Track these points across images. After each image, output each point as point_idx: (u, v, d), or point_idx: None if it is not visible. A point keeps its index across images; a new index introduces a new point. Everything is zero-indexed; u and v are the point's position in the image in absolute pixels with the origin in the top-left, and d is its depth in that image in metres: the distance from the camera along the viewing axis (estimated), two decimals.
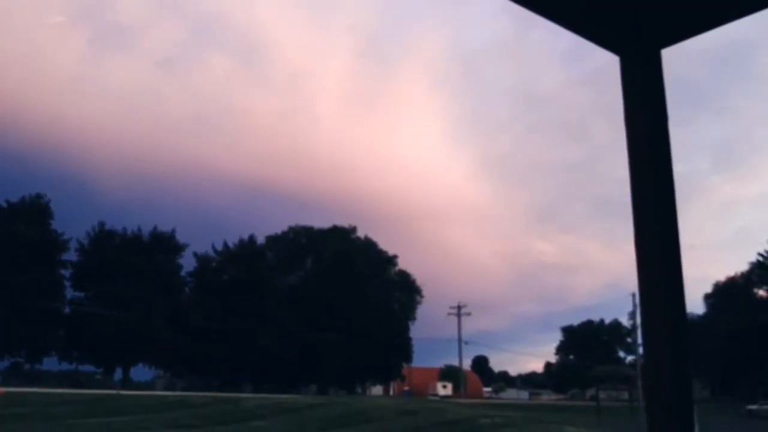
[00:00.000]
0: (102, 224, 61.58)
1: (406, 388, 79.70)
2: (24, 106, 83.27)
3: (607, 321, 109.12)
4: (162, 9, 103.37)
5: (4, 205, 55.88)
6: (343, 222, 78.88)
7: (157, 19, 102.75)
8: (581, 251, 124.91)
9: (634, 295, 75.22)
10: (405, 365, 77.93)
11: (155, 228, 63.48)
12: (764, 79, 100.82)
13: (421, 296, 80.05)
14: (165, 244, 63.09)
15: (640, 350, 79.89)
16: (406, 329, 76.59)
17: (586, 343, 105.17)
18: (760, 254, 74.17)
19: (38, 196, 57.57)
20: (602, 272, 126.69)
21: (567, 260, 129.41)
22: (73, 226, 60.99)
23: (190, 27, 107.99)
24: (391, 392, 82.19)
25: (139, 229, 62.82)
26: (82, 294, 59.33)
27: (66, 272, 58.91)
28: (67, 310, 58.23)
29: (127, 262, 57.49)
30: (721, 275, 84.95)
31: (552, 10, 1.78)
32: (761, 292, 77.38)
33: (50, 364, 59.16)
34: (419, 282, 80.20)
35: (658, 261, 1.69)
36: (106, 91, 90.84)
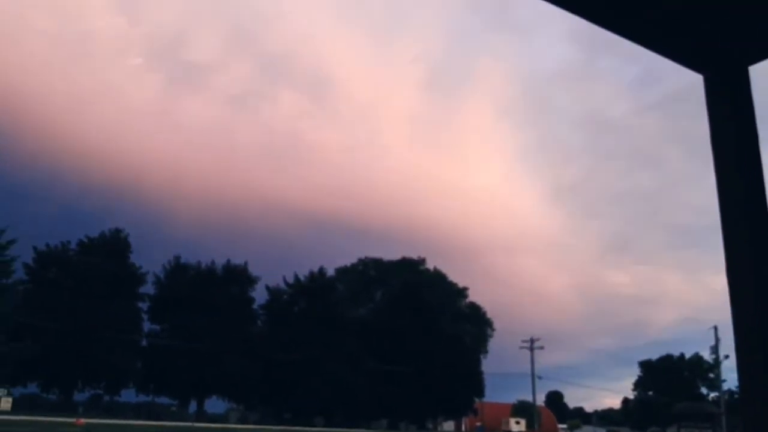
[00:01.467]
0: (178, 258, 62.97)
1: (479, 423, 78.02)
2: (104, 144, 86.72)
3: (688, 355, 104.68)
4: (233, 48, 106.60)
5: (86, 240, 57.81)
6: (413, 254, 78.67)
7: (229, 58, 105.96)
8: (658, 282, 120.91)
9: (716, 328, 72.07)
10: (477, 400, 76.40)
11: (228, 261, 64.55)
12: None
13: (493, 329, 78.88)
14: (238, 277, 63.94)
15: (724, 386, 76.35)
16: (478, 363, 75.27)
17: (666, 379, 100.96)
18: None
19: (117, 231, 59.39)
20: (681, 304, 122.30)
21: (643, 292, 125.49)
22: (150, 260, 62.64)
23: (260, 65, 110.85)
24: (463, 428, 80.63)
25: (213, 263, 63.96)
26: (158, 327, 60.52)
27: (143, 305, 60.30)
28: (144, 342, 59.44)
29: (202, 294, 58.38)
30: None
31: (633, 31, 1.68)
32: None
33: (128, 395, 60.41)
34: (490, 314, 79.06)
35: (751, 289, 1.55)
36: (180, 128, 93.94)
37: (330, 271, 71.78)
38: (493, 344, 79.14)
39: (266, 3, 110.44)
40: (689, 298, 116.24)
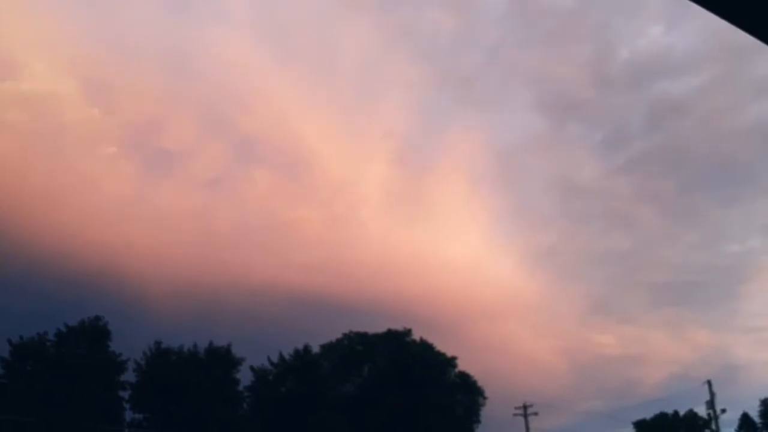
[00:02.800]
0: (159, 343, 61.46)
1: None
2: (80, 232, 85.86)
3: (682, 412, 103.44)
4: (206, 132, 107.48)
5: (63, 329, 56.43)
6: (398, 326, 77.62)
7: (203, 142, 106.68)
8: (644, 341, 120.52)
9: (710, 383, 71.63)
10: None
11: (211, 343, 63.16)
12: None
13: (485, 397, 77.30)
14: (221, 360, 62.50)
15: None
16: None
17: None
18: None
19: (96, 319, 58.06)
20: (669, 361, 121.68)
21: (630, 351, 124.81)
22: (131, 347, 61.11)
23: (234, 147, 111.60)
24: None
25: (195, 346, 62.52)
26: (141, 415, 58.58)
27: (125, 393, 58.48)
28: None
29: (185, 379, 56.92)
30: None
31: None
32: None
33: None
34: (481, 383, 77.73)
35: None
36: (158, 213, 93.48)
37: (315, 348, 70.54)
38: (485, 413, 77.52)
39: (239, 86, 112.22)
40: (676, 354, 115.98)
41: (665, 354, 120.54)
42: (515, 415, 74.11)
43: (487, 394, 77.72)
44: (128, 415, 58.79)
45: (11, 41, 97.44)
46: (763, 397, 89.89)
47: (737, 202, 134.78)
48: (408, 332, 76.72)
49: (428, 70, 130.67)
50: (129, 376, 59.13)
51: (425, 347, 76.12)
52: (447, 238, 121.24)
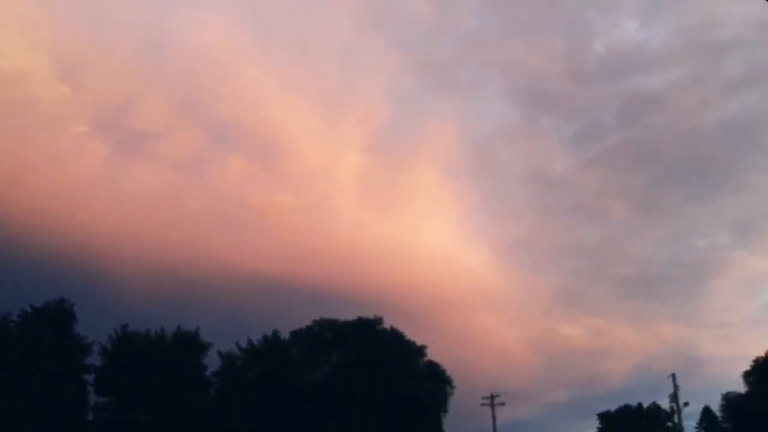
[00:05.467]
0: (125, 326, 60.60)
1: None
2: (47, 212, 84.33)
3: (645, 404, 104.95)
4: (179, 116, 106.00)
5: (28, 310, 55.38)
6: (369, 314, 77.46)
7: (176, 125, 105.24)
8: (609, 334, 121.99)
9: (674, 376, 72.53)
10: None
11: (179, 328, 62.47)
12: None
13: (452, 387, 77.60)
14: (189, 344, 61.86)
15: None
16: (439, 423, 73.84)
17: (626, 429, 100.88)
18: None
19: (62, 301, 57.06)
20: (633, 354, 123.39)
21: (596, 343, 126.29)
22: (96, 330, 60.21)
23: (206, 130, 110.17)
24: None
25: (162, 330, 61.81)
26: (105, 399, 57.83)
27: (90, 377, 57.65)
28: (90, 416, 56.64)
29: (151, 363, 56.24)
30: (757, 351, 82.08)
31: None
32: None
33: None
34: (449, 372, 78.00)
35: None
36: (127, 196, 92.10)
37: (285, 335, 70.14)
38: (453, 402, 77.85)
39: (214, 70, 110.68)
40: (641, 348, 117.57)
41: (631, 346, 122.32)
42: (482, 404, 74.53)
43: (455, 383, 78.10)
44: (92, 399, 58.06)
45: None
46: (724, 392, 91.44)
47: (706, 198, 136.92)
48: (379, 320, 76.64)
49: (404, 57, 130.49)
50: (94, 359, 58.35)
51: (395, 336, 76.11)
52: (420, 228, 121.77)
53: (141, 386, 54.79)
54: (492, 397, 73.99)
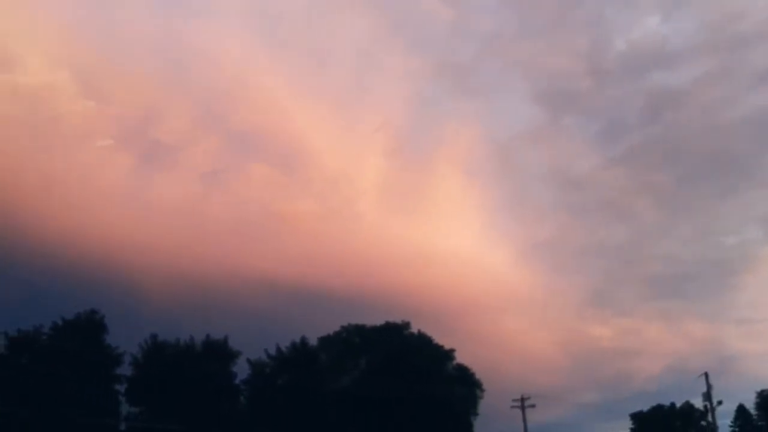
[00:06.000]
0: (155, 336, 60.96)
1: None
2: (76, 224, 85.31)
3: (678, 404, 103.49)
4: (202, 126, 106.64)
5: (60, 323, 55.92)
6: (396, 318, 77.29)
7: (199, 135, 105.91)
8: (640, 333, 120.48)
9: (707, 375, 71.41)
10: None
11: (208, 336, 62.69)
12: None
13: (482, 390, 77.18)
14: (218, 352, 62.04)
15: None
16: (470, 426, 73.45)
17: (659, 429, 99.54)
18: None
19: (93, 312, 57.47)
20: (664, 354, 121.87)
21: (626, 344, 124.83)
22: (127, 340, 60.68)
23: (230, 141, 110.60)
24: None
25: (192, 339, 62.08)
26: (136, 409, 58.15)
27: (121, 387, 58.04)
28: (122, 426, 56.96)
29: (181, 372, 56.48)
30: None
31: None
32: None
33: None
34: (479, 375, 77.60)
35: None
36: (152, 206, 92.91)
37: (312, 341, 70.19)
38: (484, 405, 77.46)
39: (233, 79, 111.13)
40: (672, 347, 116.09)
41: (661, 346, 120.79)
42: (513, 407, 74.17)
43: (484, 386, 77.68)
44: (124, 409, 58.42)
45: (6, 34, 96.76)
46: (759, 389, 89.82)
47: (733, 193, 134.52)
48: (406, 325, 76.46)
49: (423, 60, 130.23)
50: (125, 369, 58.71)
51: (423, 340, 75.88)
52: (444, 231, 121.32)
53: (172, 395, 55.05)
54: (522, 399, 73.55)
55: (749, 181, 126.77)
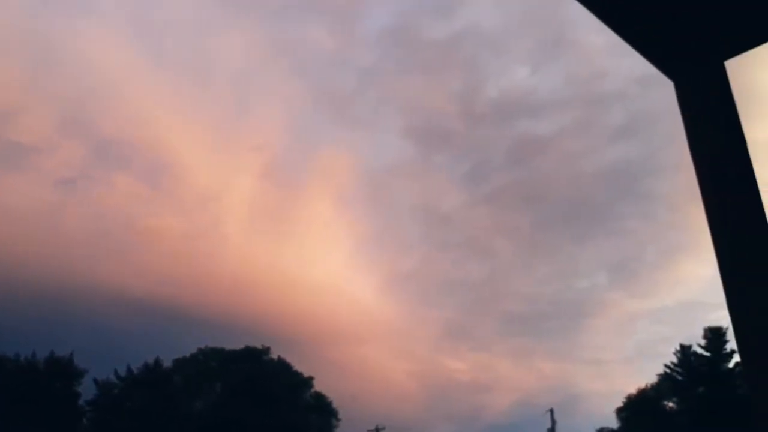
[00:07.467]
0: None
1: None
2: None
3: None
4: (65, 129, 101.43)
5: None
6: (257, 343, 76.02)
7: (60, 139, 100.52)
8: (493, 369, 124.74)
9: (552, 411, 75.17)
10: None
11: (52, 353, 59.19)
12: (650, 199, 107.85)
13: (338, 419, 77.07)
14: (62, 371, 58.70)
15: None
16: None
17: None
18: (666, 366, 75.70)
19: None
20: (514, 389, 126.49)
21: (480, 378, 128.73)
22: None
23: (93, 146, 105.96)
24: None
25: (34, 355, 58.40)
26: None
27: None
28: None
29: (20, 390, 52.95)
30: (630, 388, 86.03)
31: (624, 28, 1.64)
32: (670, 404, 78.62)
33: None
34: (336, 404, 77.50)
35: (745, 290, 1.54)
36: (2, 210, 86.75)
37: (167, 362, 67.72)
38: None
39: (105, 85, 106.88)
40: (522, 382, 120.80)
41: (513, 381, 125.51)
42: None
43: (341, 415, 77.60)
44: None
45: None
46: (599, 427, 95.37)
47: (588, 239, 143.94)
48: (266, 350, 75.35)
49: (303, 87, 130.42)
50: None
51: (283, 366, 74.99)
52: (311, 257, 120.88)
53: (8, 415, 51.34)
54: (377, 429, 74.11)
55: (602, 229, 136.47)
